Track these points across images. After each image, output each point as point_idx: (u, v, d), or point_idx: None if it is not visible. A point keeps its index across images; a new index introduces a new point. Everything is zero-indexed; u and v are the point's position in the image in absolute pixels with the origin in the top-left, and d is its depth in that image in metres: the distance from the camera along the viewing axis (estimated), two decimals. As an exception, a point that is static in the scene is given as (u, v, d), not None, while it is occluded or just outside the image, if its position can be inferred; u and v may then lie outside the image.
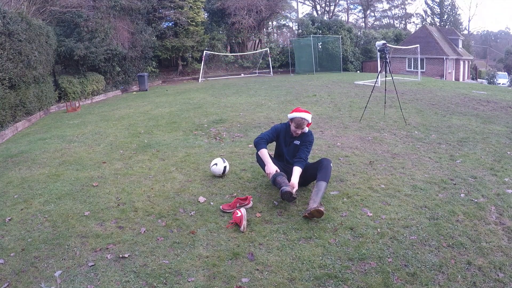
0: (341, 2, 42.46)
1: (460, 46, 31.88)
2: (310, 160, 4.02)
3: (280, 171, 3.45)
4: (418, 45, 17.89)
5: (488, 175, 4.05)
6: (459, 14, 46.00)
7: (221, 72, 21.78)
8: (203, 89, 13.58)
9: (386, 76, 7.57)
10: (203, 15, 21.00)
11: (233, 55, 22.77)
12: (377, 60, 17.06)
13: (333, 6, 39.92)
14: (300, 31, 27.04)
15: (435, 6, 45.02)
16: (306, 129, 3.62)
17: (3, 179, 4.31)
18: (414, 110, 8.13)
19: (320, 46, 23.99)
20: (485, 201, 3.39)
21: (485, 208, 3.26)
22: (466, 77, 32.06)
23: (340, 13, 42.51)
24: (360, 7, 44.19)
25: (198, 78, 18.64)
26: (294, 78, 17.96)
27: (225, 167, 4.07)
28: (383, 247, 2.68)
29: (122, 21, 15.04)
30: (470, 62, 35.34)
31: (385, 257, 2.56)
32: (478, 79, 34.47)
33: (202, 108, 8.82)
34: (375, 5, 44.97)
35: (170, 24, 19.22)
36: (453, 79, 27.65)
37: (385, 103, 8.01)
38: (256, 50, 24.18)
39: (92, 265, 2.53)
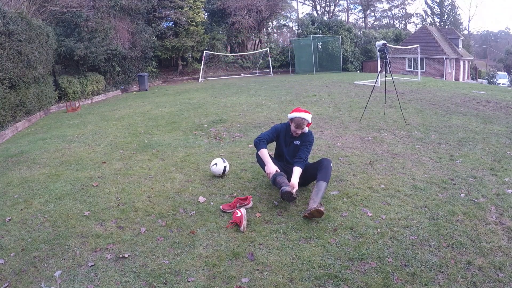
0: (341, 2, 42.52)
1: (460, 46, 31.89)
2: (310, 160, 4.02)
3: (280, 171, 3.45)
4: (418, 45, 17.90)
5: (488, 175, 4.05)
6: (459, 14, 46.07)
7: (221, 72, 21.78)
8: (203, 89, 13.58)
9: (386, 76, 7.57)
10: (203, 15, 21.00)
11: (233, 55, 22.77)
12: (377, 60, 17.06)
13: (333, 6, 39.95)
14: (300, 31, 27.04)
15: (435, 6, 45.04)
16: (306, 129, 3.62)
17: (3, 179, 4.31)
18: (414, 110, 8.13)
19: (320, 46, 23.99)
20: (485, 201, 3.39)
21: (485, 208, 3.26)
22: (466, 77, 32.06)
23: (340, 13, 42.58)
24: (360, 7, 44.22)
25: (198, 78, 18.63)
26: (294, 78, 17.96)
27: (225, 167, 4.07)
28: (383, 247, 2.68)
29: (122, 21, 15.04)
30: (470, 62, 35.34)
31: (385, 257, 2.56)
32: (478, 79, 34.47)
33: (202, 108, 8.82)
34: (375, 5, 44.99)
35: (170, 24, 19.22)
36: (453, 79, 27.65)
37: (385, 103, 8.01)
38: (256, 50, 24.18)
39: (92, 265, 2.53)
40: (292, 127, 3.56)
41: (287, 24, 31.11)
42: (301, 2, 40.42)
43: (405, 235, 2.83)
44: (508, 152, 4.94)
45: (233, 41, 24.14)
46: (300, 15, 35.94)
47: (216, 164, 4.06)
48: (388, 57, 7.37)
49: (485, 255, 2.56)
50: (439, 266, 2.45)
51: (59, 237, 2.91)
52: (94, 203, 3.52)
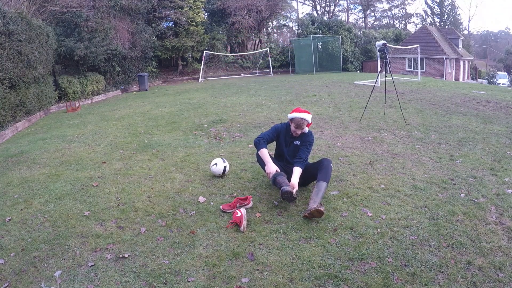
0: (341, 2, 42.52)
1: (460, 46, 31.89)
2: (310, 160, 4.02)
3: (280, 171, 3.45)
4: (418, 45, 17.90)
5: (488, 175, 4.05)
6: (459, 14, 46.08)
7: (221, 72, 21.78)
8: (203, 89, 13.58)
9: (386, 76, 7.57)
10: (203, 15, 21.00)
11: (233, 55, 22.77)
12: (377, 60, 17.06)
13: (333, 6, 39.96)
14: (300, 31, 27.04)
15: (435, 6, 45.05)
16: (306, 129, 3.61)
17: (3, 179, 4.31)
18: (414, 110, 8.13)
19: (320, 46, 23.99)
20: (485, 201, 3.39)
21: (485, 208, 3.26)
22: (466, 77, 32.06)
23: (340, 13, 42.58)
24: (360, 7, 44.24)
25: (198, 78, 18.64)
26: (294, 78, 17.96)
27: (225, 167, 4.07)
28: (383, 247, 2.68)
29: (122, 21, 15.05)
30: (470, 62, 35.34)
31: (385, 257, 2.56)
32: (478, 79, 34.47)
33: (202, 108, 8.82)
34: (375, 5, 45.00)
35: (170, 24, 19.23)
36: (453, 79, 27.65)
37: (385, 103, 8.01)
38: (256, 50, 24.18)
39: (92, 265, 2.53)
40: (292, 127, 3.56)
41: (287, 24, 31.13)
42: (301, 2, 40.47)
43: (405, 235, 2.83)
44: (508, 152, 4.94)
45: (233, 41, 24.14)
46: (300, 15, 35.99)
47: (216, 164, 4.06)
48: (388, 57, 7.37)
49: (485, 255, 2.56)
50: (439, 266, 2.45)
51: (59, 237, 2.91)
52: (94, 203, 3.52)
